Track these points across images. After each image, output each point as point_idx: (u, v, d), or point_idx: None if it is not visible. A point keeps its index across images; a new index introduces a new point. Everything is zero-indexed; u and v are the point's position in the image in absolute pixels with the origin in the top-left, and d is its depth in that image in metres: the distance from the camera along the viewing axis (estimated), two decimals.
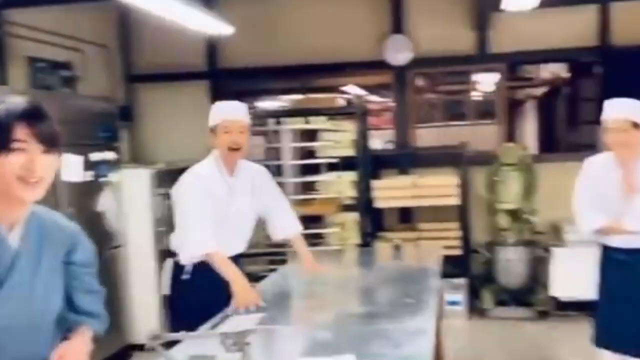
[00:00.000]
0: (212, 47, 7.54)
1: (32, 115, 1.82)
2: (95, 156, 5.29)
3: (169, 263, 3.67)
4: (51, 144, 1.84)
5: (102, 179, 5.50)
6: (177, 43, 7.11)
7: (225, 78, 7.69)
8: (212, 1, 7.10)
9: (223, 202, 3.47)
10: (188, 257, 3.41)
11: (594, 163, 3.94)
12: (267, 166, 6.33)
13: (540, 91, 11.83)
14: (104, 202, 5.54)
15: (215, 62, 7.65)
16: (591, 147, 6.74)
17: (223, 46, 7.32)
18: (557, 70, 10.13)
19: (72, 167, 4.90)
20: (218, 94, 7.59)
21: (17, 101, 1.84)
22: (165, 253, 5.50)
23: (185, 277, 3.51)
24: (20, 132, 1.78)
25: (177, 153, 6.94)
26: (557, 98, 10.77)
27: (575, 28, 6.93)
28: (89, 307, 2.11)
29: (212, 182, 3.46)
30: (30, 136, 1.79)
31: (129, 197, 5.84)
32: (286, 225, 3.84)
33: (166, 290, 3.69)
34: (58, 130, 1.88)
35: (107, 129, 5.49)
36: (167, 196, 5.54)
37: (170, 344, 2.45)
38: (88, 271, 2.12)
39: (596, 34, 6.90)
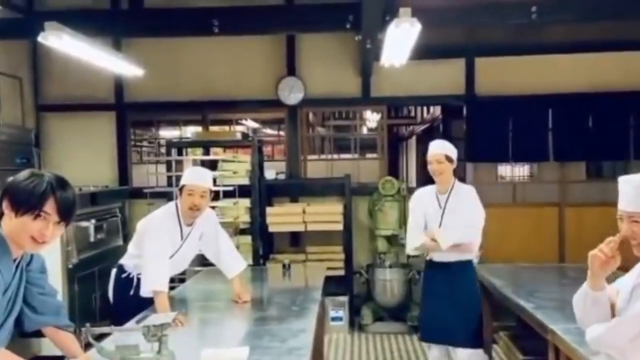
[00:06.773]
0: (120, 82, 7.88)
1: (60, 187, 2.31)
2: None
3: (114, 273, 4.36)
4: (65, 219, 2.34)
5: None
6: (86, 77, 7.42)
7: (131, 110, 8.07)
8: (120, 43, 7.54)
9: (175, 245, 4.11)
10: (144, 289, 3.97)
11: (420, 191, 4.87)
12: (170, 193, 6.82)
13: (421, 129, 12.52)
14: None
15: (122, 95, 7.99)
16: (460, 181, 7.58)
17: (130, 82, 7.63)
18: (436, 110, 10.69)
19: None
20: (123, 124, 8.00)
21: (51, 177, 2.31)
22: (71, 270, 5.95)
23: (132, 292, 4.13)
24: (48, 205, 2.28)
25: (83, 178, 7.19)
26: (434, 136, 11.47)
27: (447, 78, 7.83)
28: (41, 307, 2.61)
29: (171, 228, 4.08)
30: (54, 210, 2.29)
31: None
32: (233, 266, 4.39)
33: (110, 294, 4.36)
34: (75, 207, 2.37)
35: (24, 156, 5.84)
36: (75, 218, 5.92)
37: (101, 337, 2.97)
38: (41, 276, 2.63)
39: (463, 83, 7.82)
